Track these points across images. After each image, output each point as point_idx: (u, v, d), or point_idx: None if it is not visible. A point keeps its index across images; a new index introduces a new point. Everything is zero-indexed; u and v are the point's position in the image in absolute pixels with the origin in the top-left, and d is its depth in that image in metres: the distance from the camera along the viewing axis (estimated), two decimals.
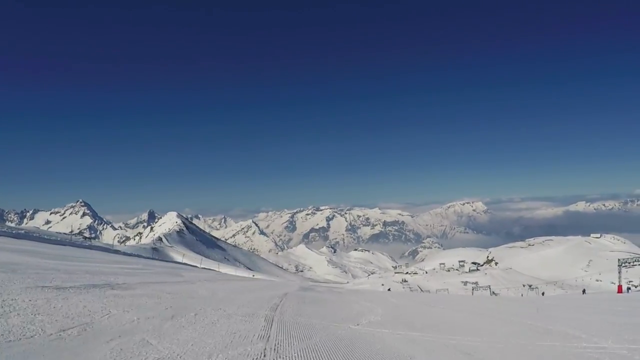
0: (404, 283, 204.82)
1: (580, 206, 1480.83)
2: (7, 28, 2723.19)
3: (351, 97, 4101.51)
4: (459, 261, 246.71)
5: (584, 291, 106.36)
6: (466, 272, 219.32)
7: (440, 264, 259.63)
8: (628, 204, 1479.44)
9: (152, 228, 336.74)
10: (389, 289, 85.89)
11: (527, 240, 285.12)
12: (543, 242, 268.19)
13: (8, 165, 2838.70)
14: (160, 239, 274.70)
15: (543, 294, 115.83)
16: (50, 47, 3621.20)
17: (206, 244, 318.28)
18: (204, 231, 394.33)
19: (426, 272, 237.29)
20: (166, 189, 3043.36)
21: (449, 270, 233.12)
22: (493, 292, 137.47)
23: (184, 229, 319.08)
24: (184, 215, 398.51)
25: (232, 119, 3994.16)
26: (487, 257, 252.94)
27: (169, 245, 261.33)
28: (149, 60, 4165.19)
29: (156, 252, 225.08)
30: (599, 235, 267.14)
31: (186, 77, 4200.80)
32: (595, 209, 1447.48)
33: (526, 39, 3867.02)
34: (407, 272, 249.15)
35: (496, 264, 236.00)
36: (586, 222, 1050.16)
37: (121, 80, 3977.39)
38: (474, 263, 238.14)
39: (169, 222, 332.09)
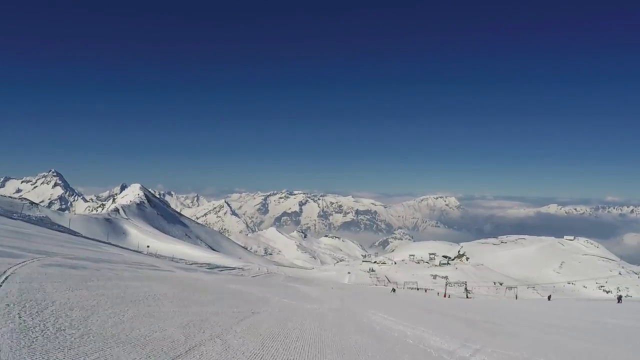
0: (371, 272, 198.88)
1: (552, 209, 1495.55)
2: None
3: (331, 84, 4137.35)
4: (430, 254, 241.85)
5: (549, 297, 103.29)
6: (436, 266, 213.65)
7: (410, 255, 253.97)
8: (599, 210, 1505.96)
9: (114, 199, 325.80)
10: (393, 290, 78.94)
11: (499, 237, 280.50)
12: (516, 240, 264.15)
13: None
14: (116, 210, 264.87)
15: (549, 297, 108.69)
16: (25, 22, 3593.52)
17: (167, 219, 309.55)
18: (167, 205, 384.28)
19: (395, 263, 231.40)
20: (141, 165, 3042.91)
21: (418, 263, 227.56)
22: (466, 289, 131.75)
23: (145, 201, 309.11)
24: (152, 190, 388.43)
25: (212, 99, 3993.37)
26: (459, 251, 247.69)
27: (125, 217, 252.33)
28: (127, 38, 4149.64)
29: (108, 224, 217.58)
30: (572, 237, 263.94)
31: (168, 55, 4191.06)
32: (566, 212, 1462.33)
33: (519, 37, 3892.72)
34: (375, 262, 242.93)
35: (467, 259, 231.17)
36: (557, 225, 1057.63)
37: (100, 56, 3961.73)
38: (445, 257, 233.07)
39: (131, 194, 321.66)
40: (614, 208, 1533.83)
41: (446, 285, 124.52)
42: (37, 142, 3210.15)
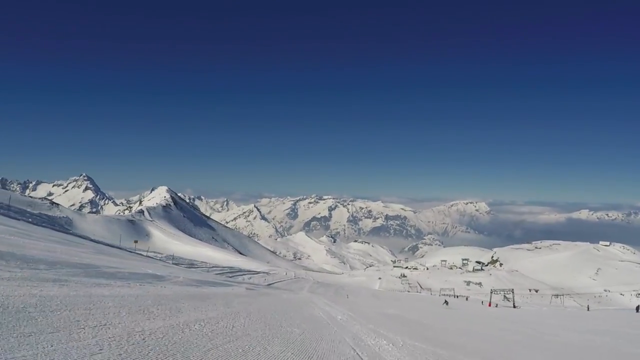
0: (403, 278, 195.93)
1: (584, 214, 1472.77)
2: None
3: (361, 87, 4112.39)
4: (463, 259, 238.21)
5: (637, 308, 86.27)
6: (469, 272, 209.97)
7: (442, 261, 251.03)
8: (631, 215, 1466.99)
9: (141, 202, 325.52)
10: (445, 302, 69.42)
11: (533, 242, 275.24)
12: (550, 245, 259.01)
13: (15, 136, 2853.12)
14: (141, 211, 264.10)
15: (588, 308, 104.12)
16: (57, 25, 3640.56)
17: (194, 221, 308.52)
18: (195, 209, 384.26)
19: (427, 269, 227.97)
20: (172, 169, 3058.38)
21: (451, 268, 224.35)
22: (505, 297, 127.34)
23: (172, 204, 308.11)
24: (181, 195, 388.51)
25: (242, 103, 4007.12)
26: (492, 257, 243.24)
27: (150, 219, 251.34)
28: (158, 40, 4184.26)
29: (131, 225, 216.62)
30: (608, 243, 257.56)
31: (198, 58, 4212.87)
32: (598, 218, 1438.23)
33: (543, 42, 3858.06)
34: (406, 267, 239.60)
35: (501, 264, 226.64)
36: (588, 231, 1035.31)
37: (131, 59, 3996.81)
38: (478, 262, 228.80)
39: (158, 196, 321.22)
40: None
41: (491, 293, 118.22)
42: (69, 147, 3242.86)
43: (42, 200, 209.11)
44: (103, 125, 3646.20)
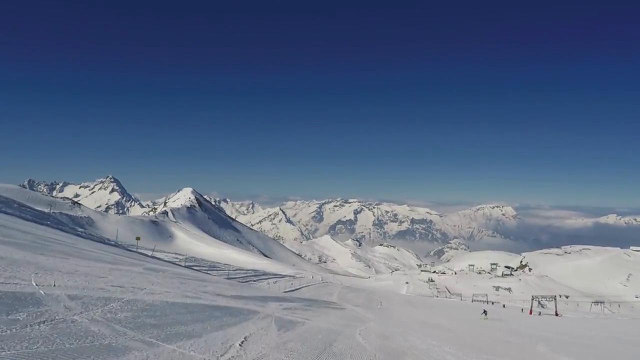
0: (431, 283, 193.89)
1: (611, 219, 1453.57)
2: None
3: (386, 89, 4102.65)
4: (491, 264, 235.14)
5: None
6: (498, 277, 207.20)
7: (470, 265, 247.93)
8: None
9: (165, 203, 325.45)
10: (484, 312, 61.90)
11: (563, 247, 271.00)
12: (580, 250, 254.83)
13: (43, 138, 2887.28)
14: (165, 212, 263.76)
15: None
16: (84, 28, 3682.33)
17: (219, 223, 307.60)
18: (219, 210, 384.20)
19: (455, 273, 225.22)
20: (199, 172, 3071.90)
21: (479, 273, 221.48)
22: (540, 304, 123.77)
23: (196, 205, 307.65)
24: (207, 197, 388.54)
25: (268, 106, 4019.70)
26: (521, 262, 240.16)
27: (174, 220, 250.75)
28: (185, 43, 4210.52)
29: (154, 226, 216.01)
30: (639, 248, 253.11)
31: (222, 61, 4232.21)
32: (625, 223, 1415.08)
33: (567, 45, 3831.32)
34: (434, 271, 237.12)
35: (530, 269, 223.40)
36: (616, 236, 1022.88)
37: (158, 61, 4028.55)
38: (507, 267, 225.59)
39: (182, 197, 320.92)
40: None
41: (532, 300, 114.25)
42: (96, 149, 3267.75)
43: (64, 200, 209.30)
44: (131, 127, 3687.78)
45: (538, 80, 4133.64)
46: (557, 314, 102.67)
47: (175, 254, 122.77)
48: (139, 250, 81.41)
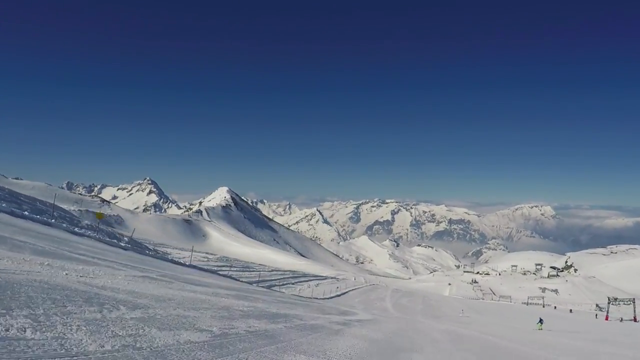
0: (474, 284, 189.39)
1: None
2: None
3: (423, 87, 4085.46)
4: (536, 264, 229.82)
5: None
6: (544, 277, 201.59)
7: (512, 266, 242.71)
8: None
9: (201, 203, 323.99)
10: (540, 321, 54.63)
11: (609, 247, 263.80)
12: (626, 250, 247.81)
13: (81, 140, 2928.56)
14: (199, 212, 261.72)
15: None
16: (130, 23, 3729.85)
17: (255, 222, 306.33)
18: (255, 209, 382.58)
19: (499, 274, 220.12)
20: (236, 173, 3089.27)
21: (524, 274, 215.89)
22: (598, 307, 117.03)
23: (232, 204, 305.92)
24: (244, 198, 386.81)
25: (303, 105, 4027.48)
26: (566, 262, 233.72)
27: (208, 219, 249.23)
28: (226, 39, 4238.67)
29: (187, 225, 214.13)
30: None
31: (263, 57, 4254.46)
32: None
33: (605, 40, 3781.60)
34: (477, 272, 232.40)
35: (575, 270, 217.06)
36: None
37: (196, 58, 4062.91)
38: (552, 267, 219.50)
39: (218, 197, 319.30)
40: None
41: (608, 304, 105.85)
42: (135, 151, 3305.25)
43: (92, 198, 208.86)
44: (169, 128, 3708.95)
45: (576, 77, 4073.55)
46: (635, 320, 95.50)
47: (207, 253, 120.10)
48: (155, 248, 77.64)
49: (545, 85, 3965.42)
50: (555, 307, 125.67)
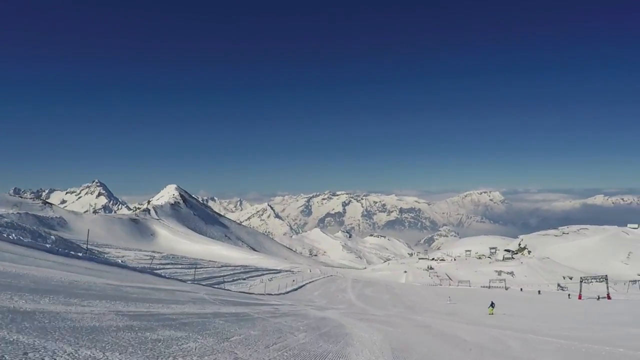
0: (430, 271, 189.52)
1: (599, 200, 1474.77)
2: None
3: (370, 81, 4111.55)
4: (490, 248, 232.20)
5: None
6: (499, 261, 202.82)
7: (467, 251, 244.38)
8: None
9: (149, 202, 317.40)
10: (492, 304, 51.39)
11: (560, 228, 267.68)
12: (578, 230, 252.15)
13: (26, 146, 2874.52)
14: (147, 210, 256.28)
15: None
16: (64, 24, 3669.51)
17: (205, 219, 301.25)
18: (205, 206, 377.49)
19: (454, 260, 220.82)
20: (186, 173, 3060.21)
21: (479, 258, 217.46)
22: (560, 286, 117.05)
23: (181, 202, 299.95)
24: (195, 197, 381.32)
25: (250, 102, 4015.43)
26: (519, 244, 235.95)
27: (156, 218, 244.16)
28: (173, 38, 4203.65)
29: (134, 224, 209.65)
30: (636, 225, 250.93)
31: (204, 56, 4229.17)
32: (613, 203, 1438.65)
33: (550, 27, 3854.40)
34: (432, 259, 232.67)
35: (529, 252, 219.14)
36: (604, 216, 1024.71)
37: (138, 58, 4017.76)
38: (507, 250, 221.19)
39: (166, 195, 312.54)
40: None
41: (581, 282, 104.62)
42: (81, 154, 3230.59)
43: (34, 200, 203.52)
44: (115, 130, 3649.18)
45: (523, 64, 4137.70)
46: (609, 297, 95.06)
47: (153, 252, 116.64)
48: (88, 247, 74.10)
49: (489, 72, 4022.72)
50: (521, 289, 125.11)
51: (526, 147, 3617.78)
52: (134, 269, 46.69)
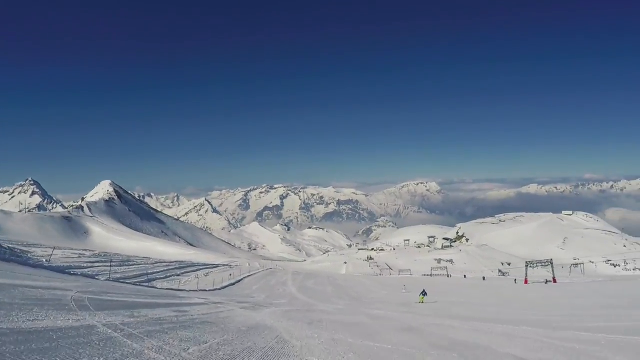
0: (370, 261, 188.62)
1: (533, 188, 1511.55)
2: None
3: (305, 73, 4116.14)
4: (429, 237, 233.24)
5: None
6: (438, 249, 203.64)
7: (405, 240, 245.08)
8: (579, 187, 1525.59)
9: (83, 199, 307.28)
10: (423, 292, 49.66)
11: (497, 216, 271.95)
12: (514, 218, 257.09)
13: None
14: (80, 207, 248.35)
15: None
16: None
17: (141, 215, 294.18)
18: (141, 202, 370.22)
19: (394, 249, 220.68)
20: (122, 169, 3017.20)
21: (419, 247, 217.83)
22: (501, 272, 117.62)
23: (115, 198, 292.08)
24: (131, 193, 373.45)
25: (184, 98, 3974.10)
26: (457, 233, 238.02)
27: (90, 215, 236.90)
28: (101, 35, 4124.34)
29: (67, 222, 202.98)
30: (571, 212, 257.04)
31: (136, 54, 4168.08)
32: (547, 191, 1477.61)
33: (500, 18, 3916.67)
34: (372, 249, 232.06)
35: (467, 240, 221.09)
36: (539, 204, 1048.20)
37: (65, 57, 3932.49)
38: (445, 239, 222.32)
39: (101, 191, 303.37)
40: (593, 185, 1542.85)
41: (527, 267, 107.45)
42: (15, 152, 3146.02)
43: None
44: (49, 128, 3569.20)
45: (457, 56, 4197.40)
46: (555, 281, 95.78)
47: (84, 250, 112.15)
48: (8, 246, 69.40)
49: (422, 65, 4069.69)
50: (465, 276, 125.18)
51: (461, 138, 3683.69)
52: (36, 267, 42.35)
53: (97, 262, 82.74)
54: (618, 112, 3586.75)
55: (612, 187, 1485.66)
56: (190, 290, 56.03)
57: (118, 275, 65.08)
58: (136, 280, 62.87)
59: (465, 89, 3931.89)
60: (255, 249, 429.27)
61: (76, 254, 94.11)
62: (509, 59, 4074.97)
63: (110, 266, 73.63)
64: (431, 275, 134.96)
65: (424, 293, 53.29)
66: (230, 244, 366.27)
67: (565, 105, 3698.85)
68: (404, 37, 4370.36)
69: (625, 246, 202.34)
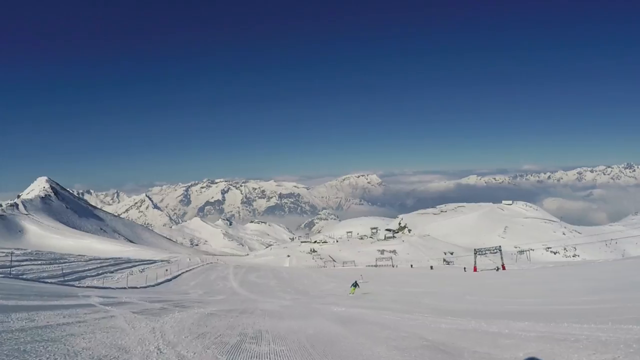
0: (314, 253, 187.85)
1: (472, 180, 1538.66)
2: None
3: (243, 68, 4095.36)
4: (371, 228, 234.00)
5: None
6: (381, 240, 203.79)
7: (348, 232, 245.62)
8: (517, 178, 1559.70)
9: (19, 196, 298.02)
10: (355, 283, 47.14)
11: (438, 207, 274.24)
12: (455, 208, 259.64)
13: None
14: (14, 205, 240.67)
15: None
16: None
17: (79, 212, 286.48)
18: (79, 199, 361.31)
19: (337, 241, 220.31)
20: (59, 166, 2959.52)
21: (361, 238, 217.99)
22: (445, 260, 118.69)
23: (52, 195, 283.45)
24: (70, 190, 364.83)
25: (122, 93, 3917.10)
26: (399, 224, 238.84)
27: (25, 213, 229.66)
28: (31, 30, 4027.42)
29: (1, 221, 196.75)
30: (510, 202, 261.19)
31: (71, 50, 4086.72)
32: (486, 182, 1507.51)
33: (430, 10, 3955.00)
34: (315, 242, 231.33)
35: (409, 230, 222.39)
36: (478, 195, 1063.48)
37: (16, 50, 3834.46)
38: (388, 230, 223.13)
39: (37, 188, 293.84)
40: (531, 175, 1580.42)
41: (475, 254, 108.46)
42: None
43: None
44: None
45: (387, 48, 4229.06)
46: (504, 267, 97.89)
47: (16, 249, 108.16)
48: None
49: (357, 56, 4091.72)
50: (412, 266, 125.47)
51: (400, 130, 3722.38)
52: None
53: (25, 260, 79.49)
54: (555, 105, 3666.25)
55: (549, 177, 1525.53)
56: (119, 288, 52.58)
57: (45, 274, 62.10)
58: (56, 280, 59.39)
59: (403, 82, 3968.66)
60: (197, 245, 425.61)
61: (4, 252, 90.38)
62: (442, 51, 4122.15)
63: (11, 263, 68.93)
64: (376, 265, 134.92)
65: (355, 284, 52.26)
66: (171, 240, 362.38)
67: (503, 98, 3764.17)
68: (329, 32, 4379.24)
69: (564, 234, 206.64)
